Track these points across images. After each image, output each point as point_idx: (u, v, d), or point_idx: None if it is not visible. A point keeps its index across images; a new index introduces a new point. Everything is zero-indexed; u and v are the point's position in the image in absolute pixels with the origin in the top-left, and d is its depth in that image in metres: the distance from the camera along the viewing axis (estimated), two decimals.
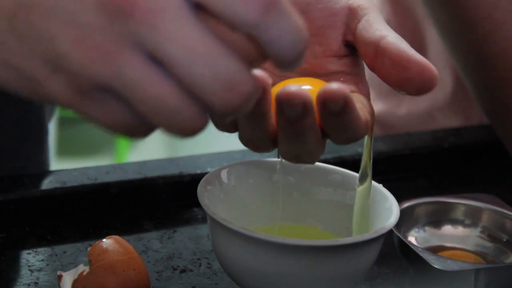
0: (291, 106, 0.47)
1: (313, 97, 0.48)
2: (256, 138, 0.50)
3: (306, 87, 0.52)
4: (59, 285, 0.58)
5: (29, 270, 0.62)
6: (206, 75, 0.39)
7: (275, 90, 0.52)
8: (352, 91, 0.53)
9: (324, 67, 0.56)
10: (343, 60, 0.56)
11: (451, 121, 0.94)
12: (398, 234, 0.61)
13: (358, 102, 0.52)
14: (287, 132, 0.49)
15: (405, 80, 0.52)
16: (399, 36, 0.54)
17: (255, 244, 0.53)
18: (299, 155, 0.50)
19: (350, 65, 0.56)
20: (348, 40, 0.56)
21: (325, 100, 0.47)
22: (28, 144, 0.76)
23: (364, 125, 0.50)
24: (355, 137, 0.50)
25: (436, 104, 0.94)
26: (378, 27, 0.54)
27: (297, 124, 0.48)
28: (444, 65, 0.92)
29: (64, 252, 0.65)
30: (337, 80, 0.55)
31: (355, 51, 0.56)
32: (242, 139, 0.51)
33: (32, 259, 0.63)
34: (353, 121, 0.49)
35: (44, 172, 0.71)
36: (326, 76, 0.55)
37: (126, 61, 0.38)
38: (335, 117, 0.48)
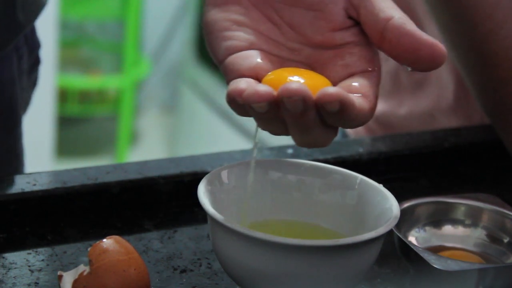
0: (292, 102, 0.49)
1: (313, 91, 0.50)
2: (272, 129, 0.54)
3: (302, 79, 0.53)
4: (59, 285, 0.58)
5: (29, 270, 0.62)
6: None
7: (275, 78, 0.54)
8: (351, 91, 0.54)
9: (333, 40, 0.57)
10: (350, 31, 0.57)
11: (452, 122, 0.93)
12: (399, 234, 0.61)
13: (360, 93, 0.53)
14: (293, 125, 0.52)
15: (415, 61, 0.53)
16: (403, 15, 0.54)
17: (255, 244, 0.53)
18: (310, 143, 0.53)
19: (358, 35, 0.57)
20: (351, 15, 0.56)
21: (322, 104, 0.50)
22: None
23: (367, 113, 0.53)
24: (359, 125, 0.53)
25: (438, 104, 0.94)
26: (381, 7, 0.55)
27: (300, 119, 0.50)
28: (445, 66, 0.92)
29: (65, 252, 0.65)
30: (349, 52, 0.56)
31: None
32: (260, 126, 0.54)
33: (32, 259, 0.63)
34: (353, 118, 0.51)
35: (45, 172, 0.71)
36: (337, 48, 0.56)
37: None
38: (334, 115, 0.50)
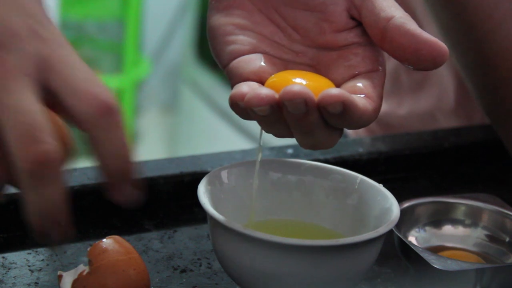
0: (294, 105, 0.49)
1: (315, 93, 0.50)
2: (276, 132, 0.54)
3: (304, 81, 0.53)
4: (59, 285, 0.58)
5: (29, 270, 0.62)
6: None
7: (277, 81, 0.54)
8: (355, 92, 0.54)
9: (336, 42, 0.57)
10: (353, 32, 0.57)
11: (452, 122, 0.93)
12: (399, 234, 0.61)
13: (364, 94, 0.53)
14: (296, 128, 0.52)
15: (416, 60, 0.53)
16: (404, 14, 0.54)
17: (255, 244, 0.53)
18: (314, 144, 0.53)
19: (362, 35, 0.57)
20: (353, 15, 0.56)
21: (325, 105, 0.50)
22: None
23: (371, 114, 0.52)
24: (363, 126, 0.53)
25: (438, 105, 0.94)
26: (382, 7, 0.55)
27: (303, 121, 0.50)
28: (446, 66, 0.92)
29: (64, 252, 0.65)
30: (353, 53, 0.56)
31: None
32: (263, 129, 0.54)
33: (32, 259, 0.63)
34: (356, 119, 0.51)
35: None
36: (340, 49, 0.56)
37: None
38: (337, 117, 0.50)
